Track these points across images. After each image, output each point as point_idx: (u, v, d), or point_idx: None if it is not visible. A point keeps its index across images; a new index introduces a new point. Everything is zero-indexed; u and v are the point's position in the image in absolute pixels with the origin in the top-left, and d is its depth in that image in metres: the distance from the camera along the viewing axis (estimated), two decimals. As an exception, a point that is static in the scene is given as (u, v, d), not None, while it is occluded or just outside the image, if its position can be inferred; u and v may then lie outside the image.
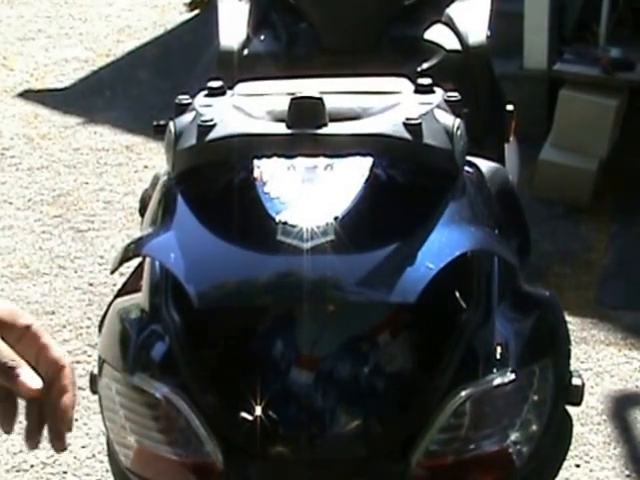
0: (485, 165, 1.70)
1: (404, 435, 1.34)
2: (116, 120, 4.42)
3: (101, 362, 1.47)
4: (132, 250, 1.43)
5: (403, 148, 1.43)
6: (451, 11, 2.15)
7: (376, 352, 1.36)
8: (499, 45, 2.27)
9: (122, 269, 1.44)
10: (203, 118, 1.49)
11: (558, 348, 1.51)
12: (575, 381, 1.47)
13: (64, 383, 0.90)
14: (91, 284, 3.21)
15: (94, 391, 1.51)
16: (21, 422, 0.96)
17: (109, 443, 1.52)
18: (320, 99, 1.44)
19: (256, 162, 1.46)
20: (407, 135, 1.42)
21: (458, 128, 1.47)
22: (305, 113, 1.44)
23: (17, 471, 2.43)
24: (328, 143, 1.44)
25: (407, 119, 1.43)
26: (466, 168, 1.56)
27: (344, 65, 1.75)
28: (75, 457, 2.46)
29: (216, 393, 1.36)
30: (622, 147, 3.67)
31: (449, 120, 1.47)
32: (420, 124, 1.42)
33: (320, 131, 1.43)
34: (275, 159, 1.46)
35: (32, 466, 2.44)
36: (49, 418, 0.92)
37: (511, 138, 2.19)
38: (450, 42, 2.10)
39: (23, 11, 5.97)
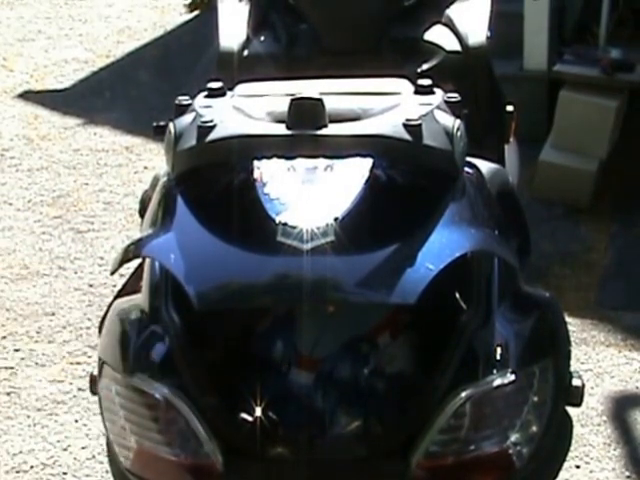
0: (485, 166, 1.70)
1: (404, 436, 1.34)
2: (116, 121, 4.42)
3: (101, 363, 1.47)
4: (132, 251, 1.43)
5: (403, 149, 1.43)
6: (451, 12, 2.15)
7: (376, 353, 1.36)
8: (499, 46, 2.27)
9: (122, 270, 1.44)
10: (203, 119, 1.49)
11: (558, 349, 1.51)
12: (575, 382, 1.47)
13: None
14: (91, 285, 3.21)
15: (94, 392, 1.51)
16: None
17: (109, 444, 1.52)
18: (320, 100, 1.44)
19: (256, 163, 1.46)
20: (407, 136, 1.42)
21: (458, 129, 1.47)
22: (305, 114, 1.44)
23: (17, 472, 2.43)
24: (328, 144, 1.44)
25: (407, 120, 1.43)
26: (466, 169, 1.56)
27: (344, 66, 1.75)
28: (75, 458, 2.46)
29: (216, 394, 1.36)
30: (622, 148, 3.67)
31: (449, 121, 1.47)
32: (420, 125, 1.42)
33: (320, 132, 1.43)
34: (275, 160, 1.45)
35: (32, 467, 2.44)
36: None
37: (511, 139, 2.19)
38: (450, 43, 2.10)
39: (23, 12, 5.97)
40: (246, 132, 1.47)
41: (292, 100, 1.44)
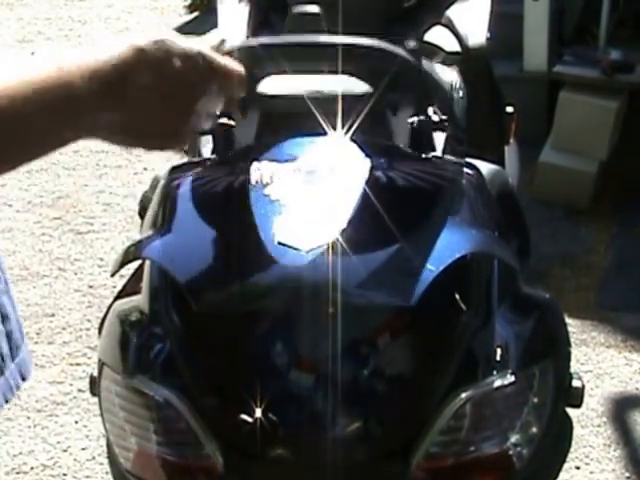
0: (485, 167, 1.69)
1: (404, 437, 1.34)
2: (116, 122, 4.41)
3: (101, 364, 1.47)
4: (132, 253, 1.43)
5: (403, 66, 1.42)
6: (451, 13, 2.15)
7: (376, 354, 1.36)
8: (499, 47, 2.27)
9: (122, 271, 1.44)
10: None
11: (558, 350, 1.51)
12: (575, 383, 1.47)
13: None
14: (91, 286, 3.21)
15: (94, 393, 1.51)
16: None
17: (109, 445, 1.52)
18: (318, 14, 1.42)
19: (256, 165, 1.46)
20: (408, 56, 1.40)
21: (456, 83, 1.47)
22: (305, 25, 1.41)
23: (17, 473, 2.43)
24: (328, 54, 1.42)
25: (407, 46, 1.42)
26: (466, 170, 1.56)
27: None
28: (75, 459, 2.46)
29: (216, 395, 1.36)
30: (622, 149, 3.67)
31: (448, 73, 1.47)
32: (420, 51, 1.41)
33: (324, 38, 1.41)
34: (275, 162, 1.46)
35: (32, 468, 2.44)
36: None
37: (511, 140, 2.19)
38: (450, 44, 2.10)
39: (22, 13, 5.97)
40: (250, 44, 1.43)
41: (291, 15, 1.42)
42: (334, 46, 1.40)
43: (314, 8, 1.44)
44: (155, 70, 0.86)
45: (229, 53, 0.99)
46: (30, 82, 0.80)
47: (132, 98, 0.85)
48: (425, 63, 1.42)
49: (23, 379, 1.23)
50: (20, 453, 2.48)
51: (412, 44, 1.40)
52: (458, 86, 1.47)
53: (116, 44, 0.86)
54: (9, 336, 1.20)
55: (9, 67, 0.81)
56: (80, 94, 0.82)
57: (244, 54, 1.35)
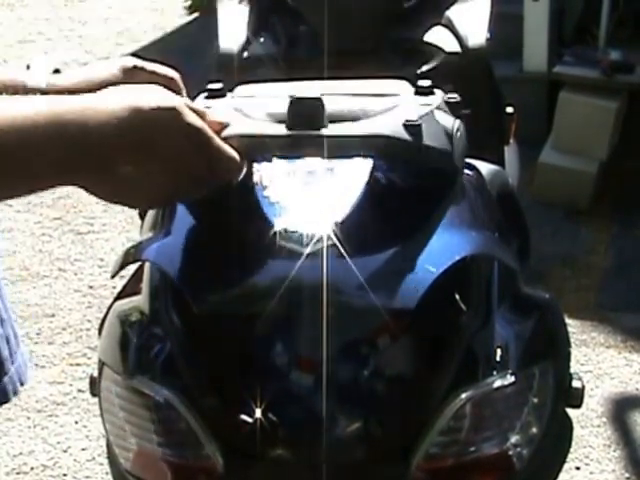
0: (485, 168, 1.69)
1: (404, 437, 1.34)
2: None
3: (101, 365, 1.47)
4: (132, 255, 1.43)
5: (403, 149, 1.43)
6: (451, 13, 2.15)
7: (376, 355, 1.35)
8: (499, 47, 2.27)
9: (122, 272, 1.44)
10: (203, 121, 1.48)
11: (558, 350, 1.51)
12: (575, 383, 1.47)
13: None
14: (91, 287, 3.22)
15: (94, 394, 1.51)
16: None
17: (109, 445, 1.52)
18: (319, 99, 1.43)
19: (256, 166, 1.46)
20: (407, 136, 1.41)
21: (458, 130, 1.47)
22: (304, 114, 1.43)
23: (17, 473, 2.43)
24: (328, 144, 1.44)
25: (407, 121, 1.42)
26: (466, 171, 1.56)
27: (344, 67, 1.74)
28: (75, 460, 2.47)
29: (216, 395, 1.36)
30: (622, 149, 3.67)
31: (449, 122, 1.47)
32: (420, 125, 1.42)
33: (319, 132, 1.43)
34: (275, 163, 1.45)
35: (32, 468, 2.44)
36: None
37: (511, 140, 2.19)
38: (450, 44, 2.10)
39: (23, 14, 5.98)
40: (246, 132, 1.46)
41: (291, 100, 1.44)
42: (336, 137, 1.41)
43: (314, 92, 1.44)
44: (150, 140, 0.85)
45: (227, 139, 0.99)
46: (22, 123, 0.78)
47: (123, 161, 0.84)
48: (425, 123, 1.41)
49: (21, 384, 1.22)
50: (20, 453, 2.48)
51: (413, 117, 1.40)
52: (459, 135, 1.47)
53: (120, 99, 0.83)
54: (7, 340, 1.20)
55: (9, 103, 0.79)
56: (73, 148, 0.81)
57: (244, 142, 1.37)
